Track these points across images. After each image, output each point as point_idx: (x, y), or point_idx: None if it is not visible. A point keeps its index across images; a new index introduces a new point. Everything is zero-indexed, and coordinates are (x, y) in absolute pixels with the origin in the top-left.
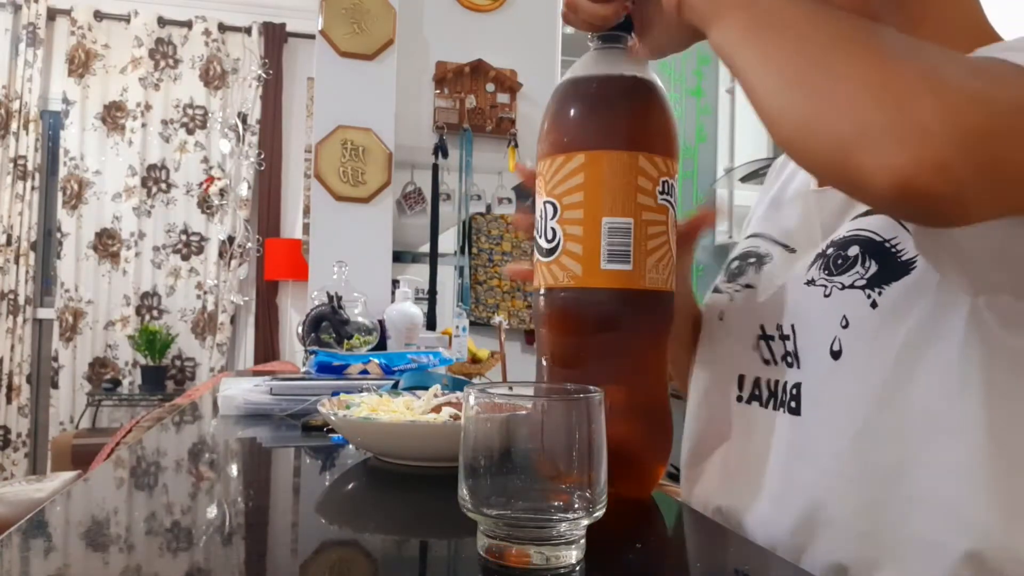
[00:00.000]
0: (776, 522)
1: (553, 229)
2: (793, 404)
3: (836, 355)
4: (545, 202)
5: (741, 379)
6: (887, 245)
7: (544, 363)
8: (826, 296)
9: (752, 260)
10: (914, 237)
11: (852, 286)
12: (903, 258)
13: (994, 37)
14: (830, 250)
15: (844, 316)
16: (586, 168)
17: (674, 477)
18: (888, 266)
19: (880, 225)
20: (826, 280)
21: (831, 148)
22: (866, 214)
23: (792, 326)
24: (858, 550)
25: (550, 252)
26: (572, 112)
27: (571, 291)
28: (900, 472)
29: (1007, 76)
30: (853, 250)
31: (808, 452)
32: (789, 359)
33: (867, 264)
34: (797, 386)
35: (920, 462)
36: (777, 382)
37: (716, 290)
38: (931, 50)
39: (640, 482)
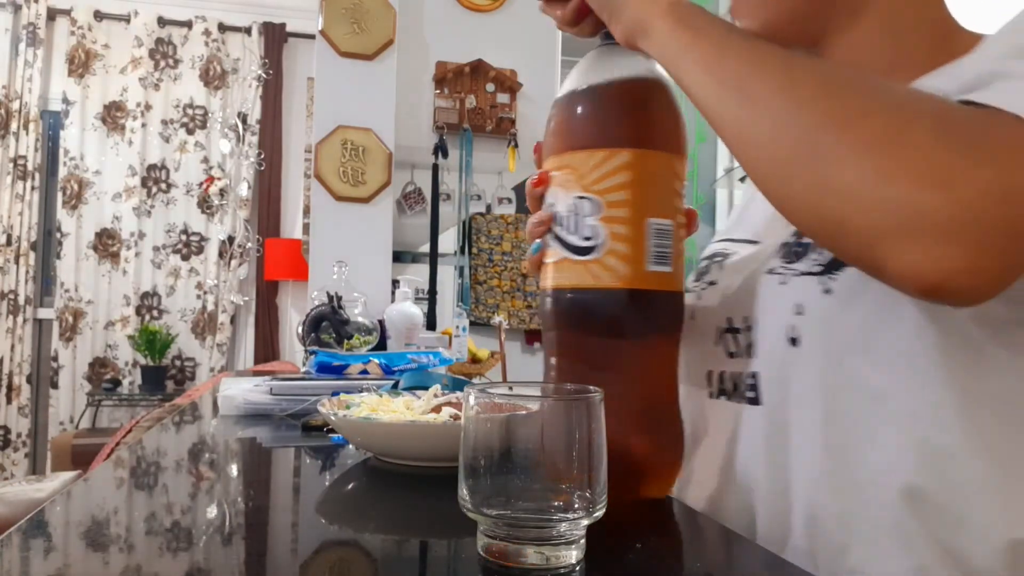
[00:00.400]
0: (756, 515)
1: (593, 227)
2: (751, 394)
3: (794, 342)
4: (579, 197)
5: (709, 375)
6: None
7: (563, 365)
8: (782, 284)
9: (718, 259)
10: None
11: (808, 273)
12: None
13: (954, 27)
14: (791, 238)
15: (799, 303)
16: (633, 166)
17: None
18: None
19: None
20: (784, 268)
21: (850, 242)
22: None
23: (752, 316)
24: (832, 534)
25: (587, 251)
26: (613, 107)
27: (616, 292)
28: (861, 455)
29: (1011, 141)
30: None
31: (779, 439)
32: (752, 350)
33: (822, 251)
34: (753, 375)
35: (877, 445)
36: (741, 374)
37: (686, 290)
38: (926, 111)
39: (662, 481)
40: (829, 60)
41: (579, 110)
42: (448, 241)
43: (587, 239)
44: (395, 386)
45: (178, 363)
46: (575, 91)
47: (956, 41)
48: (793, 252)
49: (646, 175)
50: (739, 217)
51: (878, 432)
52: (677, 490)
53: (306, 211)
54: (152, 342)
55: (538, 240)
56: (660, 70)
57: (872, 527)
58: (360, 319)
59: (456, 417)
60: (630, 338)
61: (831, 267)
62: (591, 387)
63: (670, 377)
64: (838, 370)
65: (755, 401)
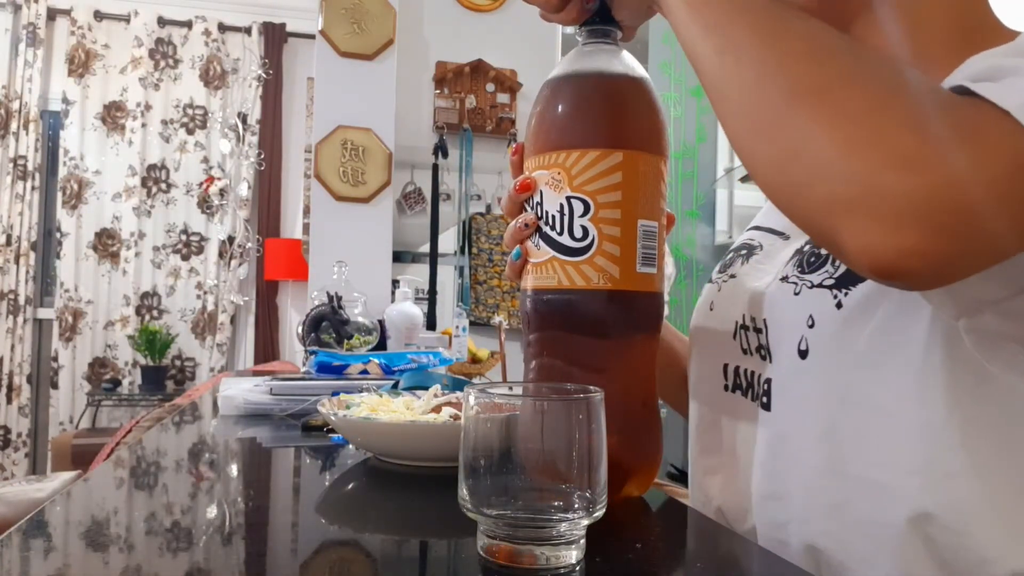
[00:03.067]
0: (755, 518)
1: (584, 227)
2: (764, 399)
3: (803, 354)
4: (570, 197)
5: (725, 367)
6: None
7: (547, 366)
8: (796, 294)
9: (744, 252)
10: None
11: (820, 285)
12: None
13: (989, 23)
14: (807, 247)
15: (811, 315)
16: (624, 167)
17: (673, 477)
18: None
19: None
20: (798, 278)
21: (808, 210)
22: None
23: (764, 320)
24: (829, 550)
25: (579, 251)
26: (606, 107)
27: (606, 293)
28: (864, 473)
29: (992, 136)
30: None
31: (780, 448)
32: (763, 352)
33: (836, 264)
34: (768, 381)
35: (882, 464)
36: (754, 373)
37: (710, 280)
38: (908, 90)
39: (644, 479)
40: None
41: (569, 109)
42: (448, 241)
43: (578, 240)
44: (395, 386)
45: (178, 363)
46: (562, 90)
47: (989, 37)
48: (808, 261)
49: (637, 176)
50: (772, 206)
51: (882, 450)
52: (692, 478)
53: (306, 211)
54: (152, 342)
55: (518, 246)
56: (643, 71)
57: (873, 548)
58: (360, 319)
59: (456, 417)
60: (617, 339)
61: (844, 281)
62: (591, 387)
63: (650, 377)
64: (844, 385)
65: (767, 407)
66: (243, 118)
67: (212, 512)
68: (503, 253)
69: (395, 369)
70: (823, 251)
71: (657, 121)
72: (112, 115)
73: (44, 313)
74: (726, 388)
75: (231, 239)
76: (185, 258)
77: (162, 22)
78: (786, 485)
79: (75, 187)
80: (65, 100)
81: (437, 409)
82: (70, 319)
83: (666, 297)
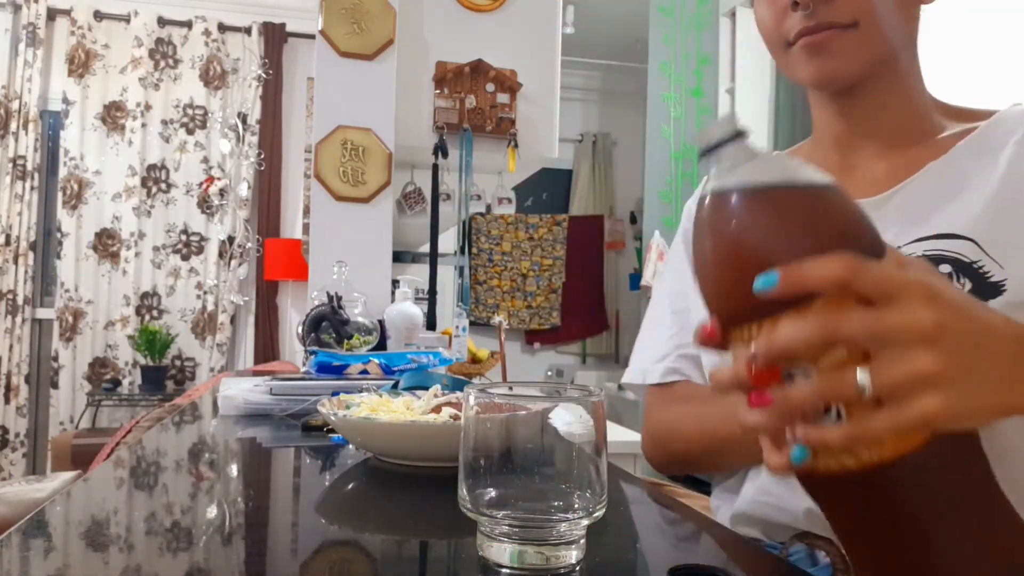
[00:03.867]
0: None
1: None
2: None
3: None
4: None
5: None
6: (975, 267)
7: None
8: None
9: None
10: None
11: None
12: (991, 279)
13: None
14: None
15: None
16: None
17: (682, 481)
18: (980, 286)
19: (962, 248)
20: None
21: None
22: (937, 237)
23: None
24: None
25: None
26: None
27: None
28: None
29: None
30: (945, 268)
31: None
32: None
33: (962, 282)
34: None
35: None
36: None
37: None
38: None
39: None
40: None
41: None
42: (448, 241)
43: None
44: (395, 386)
45: (178, 363)
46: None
47: (947, 109)
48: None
49: None
50: None
51: (1014, 450)
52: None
53: (306, 211)
54: (152, 342)
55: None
56: None
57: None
58: (360, 319)
59: (456, 417)
60: None
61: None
62: (591, 387)
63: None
64: None
65: None
66: (243, 118)
67: (212, 512)
68: (503, 253)
69: (395, 369)
70: (943, 270)
71: None
72: (112, 115)
73: (44, 313)
74: None
75: (231, 239)
76: (185, 258)
77: (162, 22)
78: None
79: (75, 187)
80: (65, 100)
81: (437, 409)
82: (70, 319)
83: None
